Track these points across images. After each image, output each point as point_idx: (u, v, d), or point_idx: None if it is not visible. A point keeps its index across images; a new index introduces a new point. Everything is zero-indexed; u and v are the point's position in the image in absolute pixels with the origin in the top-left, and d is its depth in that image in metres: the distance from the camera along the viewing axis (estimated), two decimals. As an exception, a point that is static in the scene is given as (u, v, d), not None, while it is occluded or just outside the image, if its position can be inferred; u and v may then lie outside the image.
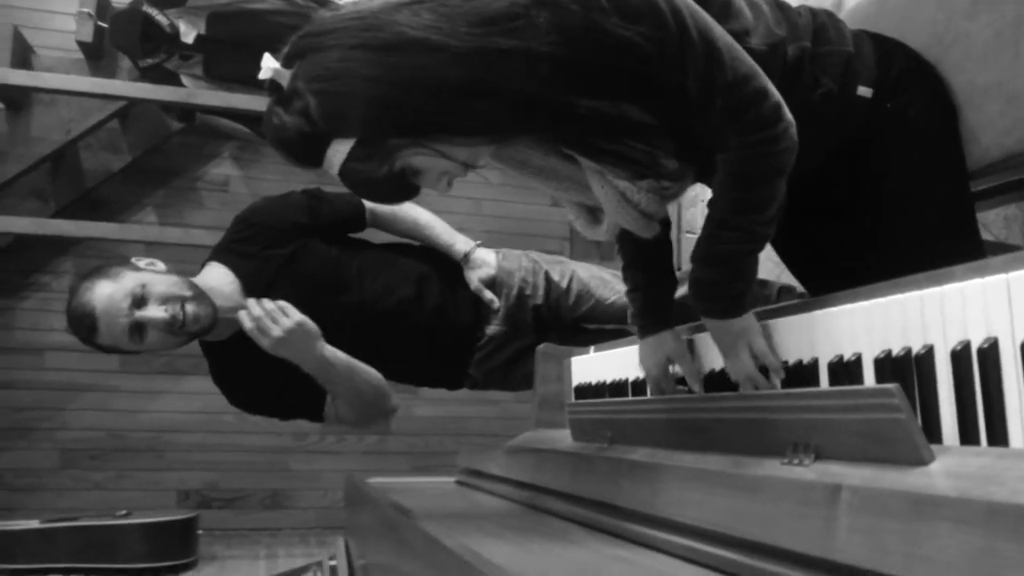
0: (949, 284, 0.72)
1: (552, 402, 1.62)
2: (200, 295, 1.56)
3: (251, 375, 1.69)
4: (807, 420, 0.72)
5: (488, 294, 1.75)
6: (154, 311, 1.50)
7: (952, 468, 0.57)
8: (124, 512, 2.35)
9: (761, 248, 0.96)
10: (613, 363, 1.41)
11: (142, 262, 1.60)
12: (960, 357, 0.69)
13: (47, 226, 2.52)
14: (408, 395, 3.14)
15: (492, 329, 1.77)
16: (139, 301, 1.50)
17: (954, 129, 1.09)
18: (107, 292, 1.49)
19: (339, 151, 0.84)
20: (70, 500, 2.82)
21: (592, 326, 1.75)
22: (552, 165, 1.00)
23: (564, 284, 1.78)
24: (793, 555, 0.56)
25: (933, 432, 0.69)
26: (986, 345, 0.67)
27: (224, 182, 3.05)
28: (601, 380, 1.46)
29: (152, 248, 2.84)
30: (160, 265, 1.61)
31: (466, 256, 1.77)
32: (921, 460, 0.60)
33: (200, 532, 2.37)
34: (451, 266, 1.78)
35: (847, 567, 0.51)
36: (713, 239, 0.94)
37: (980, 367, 0.67)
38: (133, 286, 1.50)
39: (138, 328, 1.51)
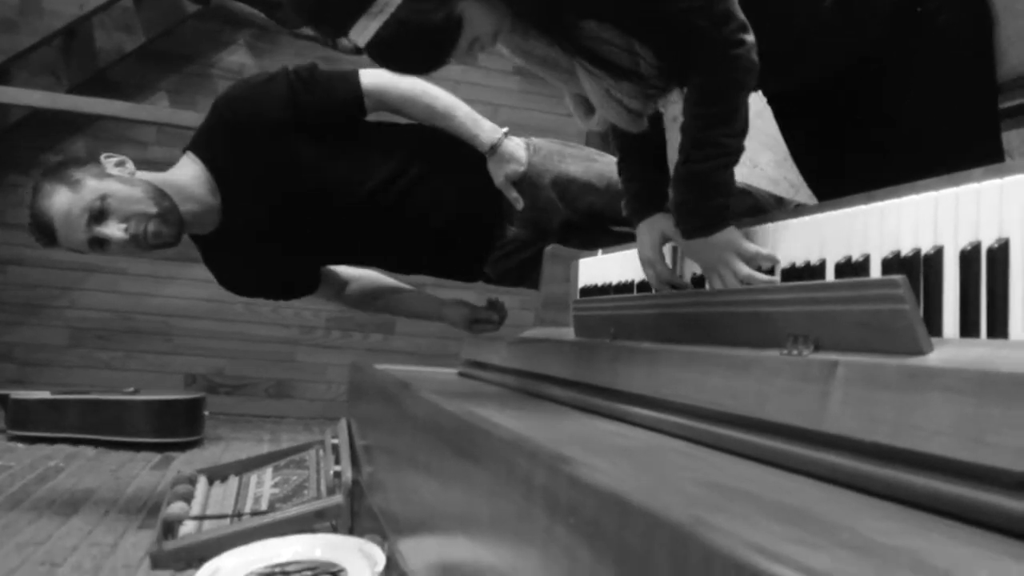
0: (966, 185, 0.72)
1: (557, 303, 1.63)
2: (166, 211, 1.49)
3: (236, 264, 1.70)
4: (808, 312, 0.72)
5: (514, 193, 1.65)
6: (114, 229, 1.46)
7: (950, 356, 0.58)
8: (132, 389, 2.41)
9: (734, 161, 1.00)
10: (620, 265, 1.42)
11: (112, 162, 1.52)
12: (969, 257, 0.70)
13: (60, 101, 2.50)
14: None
15: (514, 231, 1.71)
16: (98, 216, 1.45)
17: (988, 41, 1.06)
18: (65, 205, 1.44)
19: (371, 26, 0.85)
20: (79, 377, 2.89)
21: (620, 228, 1.69)
22: (553, 56, 1.03)
23: (600, 185, 1.68)
24: (784, 428, 0.58)
25: (934, 328, 0.70)
26: (996, 245, 0.67)
27: (238, 70, 3.01)
28: (607, 282, 1.47)
29: (163, 130, 2.83)
30: (129, 167, 1.53)
31: (492, 148, 1.64)
32: (920, 350, 0.61)
33: (206, 414, 2.43)
34: (469, 152, 1.67)
35: (837, 437, 0.52)
36: (688, 160, 0.98)
37: (988, 266, 0.67)
38: (92, 199, 1.44)
39: (98, 242, 1.47)
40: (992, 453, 0.41)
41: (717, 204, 0.99)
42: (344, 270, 1.86)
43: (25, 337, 2.93)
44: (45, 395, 2.33)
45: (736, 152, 0.99)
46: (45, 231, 1.48)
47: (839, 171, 1.17)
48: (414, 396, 0.86)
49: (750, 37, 0.95)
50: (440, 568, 0.71)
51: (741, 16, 0.95)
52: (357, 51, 2.03)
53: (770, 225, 0.98)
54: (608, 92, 1.02)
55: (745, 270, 0.95)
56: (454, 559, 0.66)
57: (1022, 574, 0.32)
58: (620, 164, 1.17)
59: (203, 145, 1.60)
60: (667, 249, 1.13)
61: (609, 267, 1.46)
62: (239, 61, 3.04)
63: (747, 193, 1.57)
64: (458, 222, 1.68)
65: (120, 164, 1.53)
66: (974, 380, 0.43)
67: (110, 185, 1.47)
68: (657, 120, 1.14)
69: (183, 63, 2.98)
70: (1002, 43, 1.06)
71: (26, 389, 2.46)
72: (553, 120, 3.33)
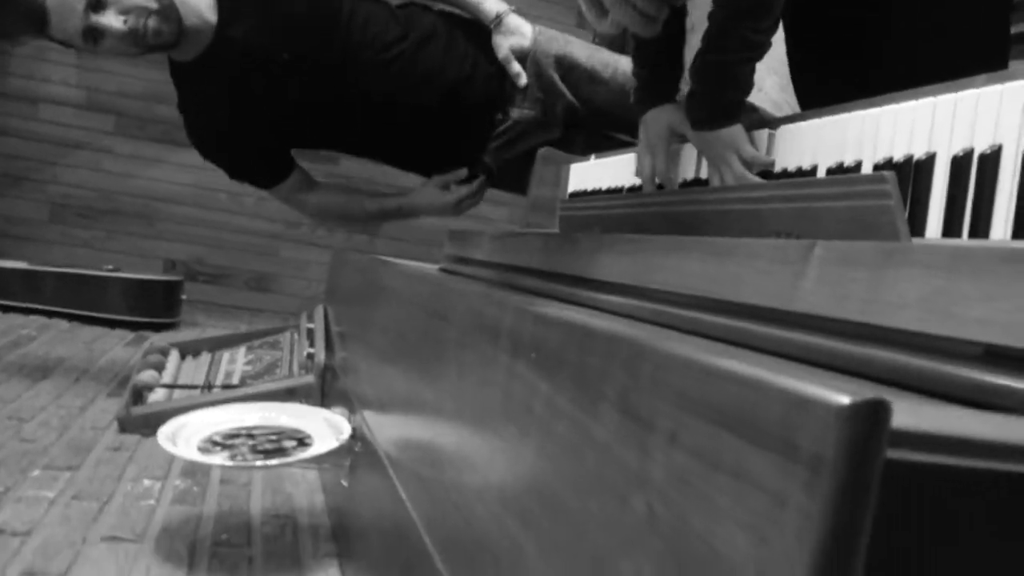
0: (966, 91, 0.70)
1: (545, 206, 1.62)
2: (166, 8, 1.44)
3: (211, 110, 1.60)
4: (795, 209, 0.72)
5: (516, 67, 1.60)
6: (112, 20, 1.39)
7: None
8: (111, 267, 2.39)
9: (757, 58, 0.98)
10: (611, 171, 1.40)
11: None
12: (961, 163, 0.69)
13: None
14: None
15: (518, 112, 1.65)
16: (96, 4, 1.39)
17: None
18: None
19: None
20: (58, 254, 2.86)
21: (621, 136, 1.66)
22: None
23: (605, 74, 1.64)
24: (758, 310, 0.57)
25: (917, 230, 0.70)
26: (988, 151, 0.66)
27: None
28: (597, 187, 1.45)
29: None
30: None
31: (498, 18, 1.60)
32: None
33: (184, 298, 2.43)
34: (476, 30, 1.63)
35: (808, 316, 0.52)
36: (711, 49, 0.96)
37: (978, 171, 0.66)
38: None
39: (92, 33, 1.40)
40: (958, 325, 0.41)
41: (730, 99, 0.97)
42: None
43: (4, 209, 2.89)
44: (22, 265, 2.31)
45: (760, 48, 0.96)
46: (34, 15, 1.39)
47: (842, 84, 1.15)
48: (391, 268, 0.85)
49: None
50: (404, 441, 0.72)
51: None
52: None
53: (765, 131, 0.97)
54: None
55: (740, 170, 0.94)
56: (418, 432, 0.67)
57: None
58: (635, 54, 1.15)
59: None
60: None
61: (601, 173, 1.45)
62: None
63: (754, 110, 1.54)
64: (457, 95, 1.62)
65: None
66: (947, 255, 0.43)
67: None
68: (673, 22, 1.10)
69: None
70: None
71: (3, 260, 2.43)
72: (563, 30, 3.25)
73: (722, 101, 0.97)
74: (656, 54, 1.12)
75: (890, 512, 0.21)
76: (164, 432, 0.88)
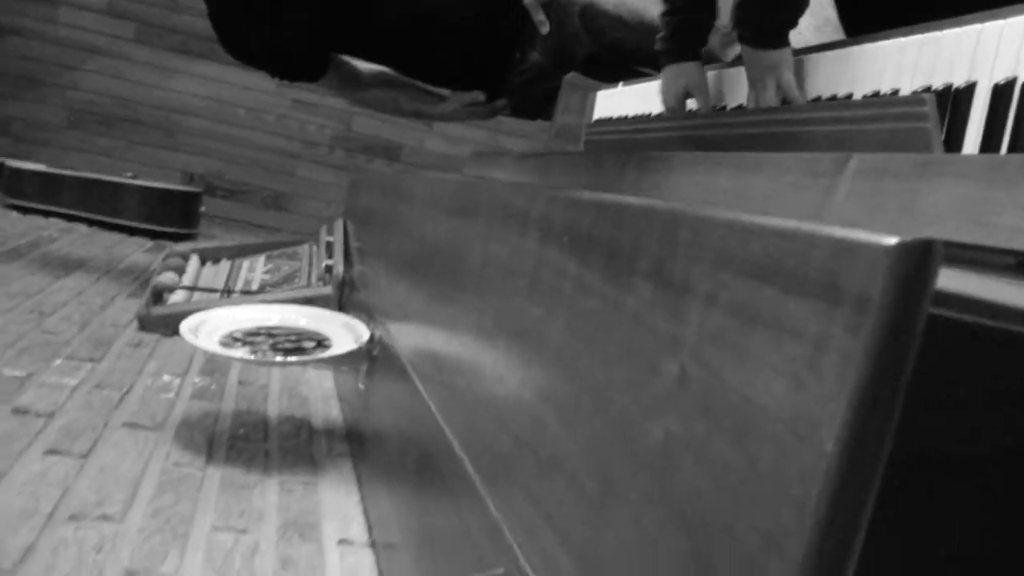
0: (1015, 17, 0.69)
1: (569, 133, 1.60)
2: None
3: (244, 10, 1.55)
4: (829, 132, 0.71)
5: (541, 16, 1.56)
6: None
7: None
8: (131, 174, 2.39)
9: None
10: (639, 99, 1.38)
11: None
12: (1002, 92, 0.67)
13: None
14: (422, 130, 3.12)
15: (536, 57, 1.65)
16: None
17: None
18: None
19: None
20: (76, 160, 2.86)
21: (645, 69, 1.64)
22: None
23: (632, 21, 1.62)
24: (784, 223, 0.57)
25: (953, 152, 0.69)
26: (1033, 79, 0.65)
27: None
28: (623, 115, 1.43)
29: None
30: None
31: None
32: (933, 169, 0.60)
33: (202, 210, 2.43)
34: None
35: (835, 228, 0.52)
36: None
37: (1020, 100, 0.65)
38: None
39: None
40: (992, 234, 0.41)
41: (780, 20, 0.94)
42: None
43: (22, 112, 2.88)
44: (41, 168, 2.31)
45: None
46: None
47: (885, 17, 1.12)
48: (414, 176, 0.85)
49: None
50: (425, 344, 0.73)
51: None
52: None
53: (803, 57, 0.95)
54: None
55: (772, 97, 0.92)
56: (441, 332, 0.67)
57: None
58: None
59: None
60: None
61: (628, 100, 1.43)
62: None
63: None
64: (476, 27, 1.61)
65: None
66: (983, 165, 0.43)
67: None
68: None
69: None
70: None
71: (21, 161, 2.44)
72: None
73: (770, 22, 0.94)
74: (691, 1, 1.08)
75: (931, 364, 0.21)
76: (186, 325, 0.89)
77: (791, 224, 0.23)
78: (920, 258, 0.20)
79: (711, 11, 1.08)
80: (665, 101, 1.11)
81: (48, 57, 2.86)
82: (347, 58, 1.74)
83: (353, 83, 1.74)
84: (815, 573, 0.21)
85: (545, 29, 1.60)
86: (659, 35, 1.12)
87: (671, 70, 1.09)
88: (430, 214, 0.75)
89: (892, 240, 0.20)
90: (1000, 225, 0.40)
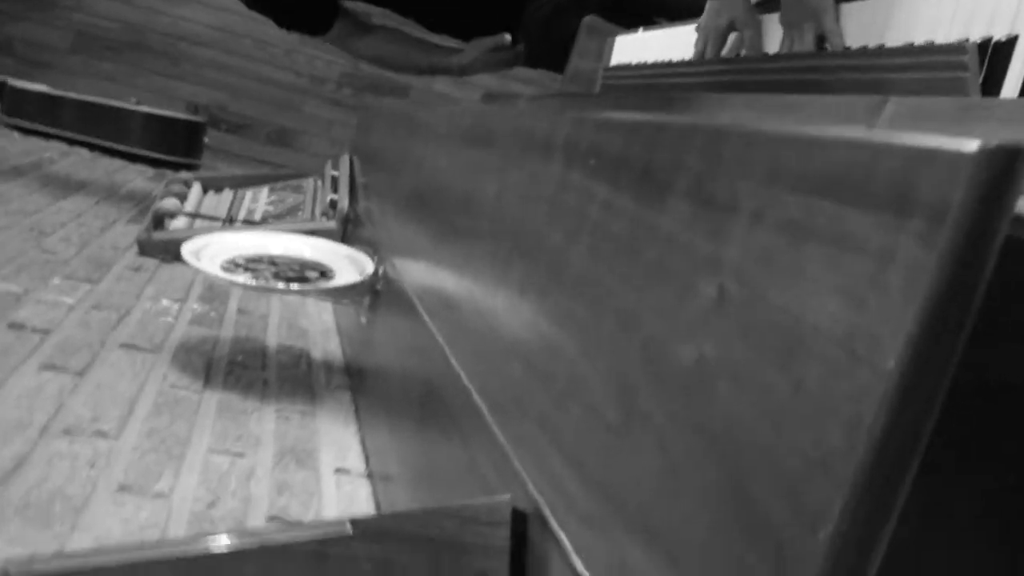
0: (1065, -32, 0.66)
1: (584, 78, 1.57)
2: None
3: None
4: (863, 80, 0.69)
5: None
6: None
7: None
8: (135, 100, 2.35)
9: None
10: (660, 45, 1.34)
11: None
12: (1044, 46, 0.65)
13: None
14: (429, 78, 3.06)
15: None
16: None
17: None
18: None
19: None
20: (80, 85, 2.81)
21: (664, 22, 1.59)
22: None
23: None
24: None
25: (985, 113, 0.67)
26: (1079, 34, 0.63)
27: None
28: (643, 61, 1.40)
29: None
30: None
31: None
32: (969, 122, 0.58)
33: (206, 141, 2.40)
34: None
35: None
36: None
37: (1063, 55, 0.63)
38: None
39: None
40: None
41: None
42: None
43: (26, 32, 2.82)
44: (44, 88, 2.27)
45: None
46: None
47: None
48: (428, 107, 0.82)
49: None
50: (434, 276, 0.71)
51: None
52: None
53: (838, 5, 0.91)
54: None
55: (810, 44, 0.89)
56: (449, 264, 0.66)
57: None
58: None
59: None
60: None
61: (649, 46, 1.39)
62: None
63: None
64: None
65: None
66: (1038, 110, 0.41)
67: None
68: None
69: None
70: None
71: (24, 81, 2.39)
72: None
73: None
74: None
75: (1002, 287, 0.20)
76: (188, 248, 0.88)
77: (857, 133, 0.21)
78: (1006, 165, 0.18)
79: None
80: (706, 28, 1.06)
81: (53, -25, 2.80)
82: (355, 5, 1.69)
83: (362, 36, 1.69)
84: (865, 494, 0.19)
85: None
86: None
87: (716, 3, 1.05)
88: (445, 145, 0.73)
89: (974, 145, 0.18)
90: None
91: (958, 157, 0.18)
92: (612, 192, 0.35)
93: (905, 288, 0.19)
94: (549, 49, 1.71)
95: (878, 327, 0.20)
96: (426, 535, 0.36)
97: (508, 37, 1.62)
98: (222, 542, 0.35)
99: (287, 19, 1.68)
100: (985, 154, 0.18)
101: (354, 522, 0.36)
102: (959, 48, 0.58)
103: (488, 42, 1.63)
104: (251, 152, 3.05)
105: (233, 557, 0.35)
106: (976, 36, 0.73)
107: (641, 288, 0.31)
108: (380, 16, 1.76)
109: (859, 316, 0.20)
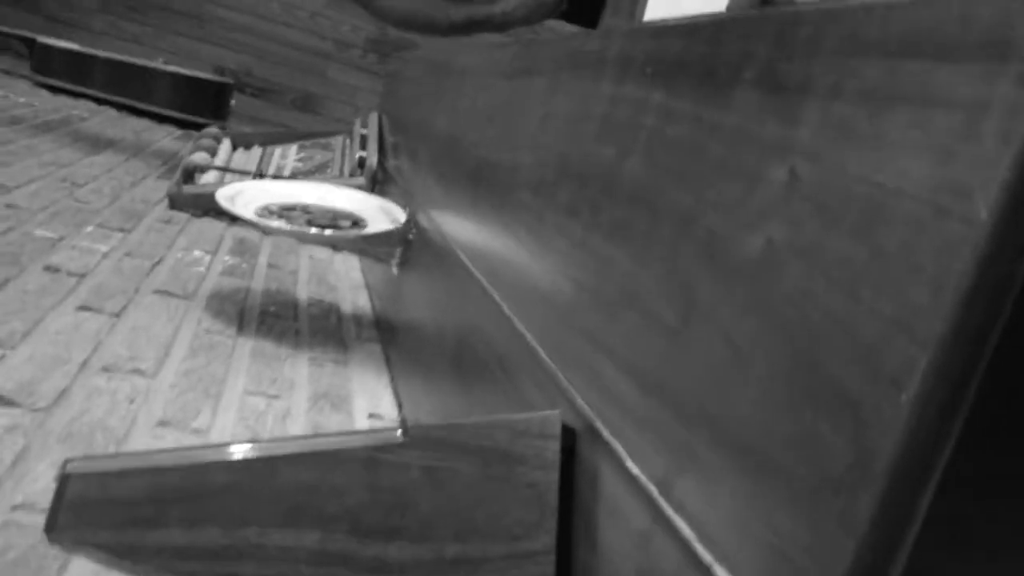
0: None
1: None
2: None
3: None
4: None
5: None
6: None
7: None
8: (163, 60, 2.35)
9: None
10: (699, 2, 1.32)
11: None
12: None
13: None
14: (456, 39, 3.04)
15: None
16: None
17: None
18: None
19: None
20: (106, 45, 2.82)
21: None
22: None
23: None
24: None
25: None
26: None
27: None
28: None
29: None
30: None
31: None
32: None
33: (232, 103, 2.40)
34: None
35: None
36: None
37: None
38: None
39: None
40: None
41: None
42: None
43: (55, -8, 2.83)
44: (73, 46, 2.28)
45: None
46: None
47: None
48: (465, 49, 0.82)
49: None
50: (468, 231, 0.71)
51: None
52: None
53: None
54: None
55: None
56: (489, 201, 0.65)
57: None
58: None
59: None
60: None
61: (682, 2, 1.37)
62: None
63: None
64: None
65: None
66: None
67: None
68: None
69: None
70: None
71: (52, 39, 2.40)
72: None
73: None
74: None
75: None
76: (223, 193, 0.88)
77: (948, -12, 0.21)
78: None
79: None
80: None
81: (79, -64, 2.79)
82: None
83: None
84: (950, 352, 0.19)
85: None
86: None
87: None
88: (485, 84, 0.73)
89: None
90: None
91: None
92: (670, 97, 0.35)
93: (1002, 133, 0.18)
94: (583, 4, 1.67)
95: (969, 178, 0.19)
96: (477, 445, 0.36)
97: None
98: (278, 446, 0.36)
99: None
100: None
101: (406, 429, 0.36)
102: None
103: None
104: (276, 117, 3.05)
105: (288, 460, 0.35)
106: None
107: (701, 188, 0.31)
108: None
109: (948, 171, 0.20)
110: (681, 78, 0.34)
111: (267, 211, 0.90)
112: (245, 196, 0.90)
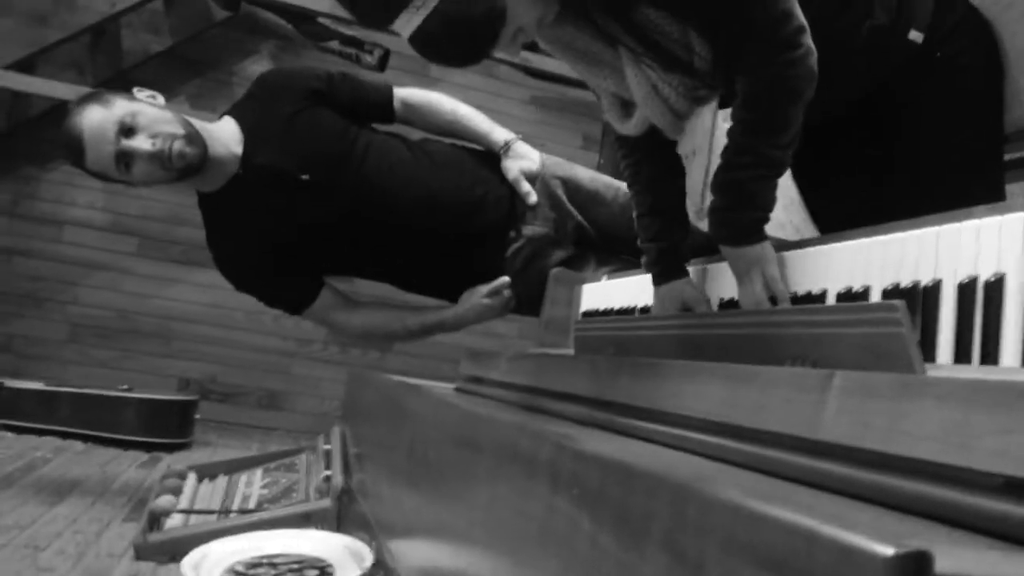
0: (968, 221, 0.74)
1: (559, 326, 1.65)
2: (193, 135, 1.56)
3: (237, 238, 1.68)
4: (809, 335, 0.74)
5: (526, 186, 1.70)
6: (141, 142, 1.51)
7: (942, 376, 0.60)
8: (126, 387, 2.41)
9: (778, 174, 0.97)
10: (624, 291, 1.44)
11: (143, 94, 1.61)
12: (966, 289, 0.72)
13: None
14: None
15: (530, 230, 1.71)
16: (127, 131, 1.51)
17: (999, 90, 1.10)
18: (97, 118, 1.51)
19: (413, 19, 0.86)
20: (74, 373, 2.88)
21: (630, 258, 1.69)
22: (595, 50, 1.02)
23: (607, 196, 1.74)
24: (780, 437, 0.59)
25: (929, 355, 0.72)
26: (993, 279, 0.69)
27: (258, 82, 3.06)
28: (609, 307, 1.48)
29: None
30: (160, 100, 1.62)
31: (507, 145, 1.73)
32: (914, 372, 0.63)
33: (197, 417, 2.43)
34: (485, 159, 1.75)
35: (830, 444, 0.54)
36: (729, 166, 0.96)
37: (984, 298, 0.69)
38: (123, 114, 1.51)
39: (124, 157, 1.52)
40: (977, 457, 0.42)
41: (752, 217, 0.97)
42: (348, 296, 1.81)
43: (24, 329, 2.94)
44: (38, 386, 2.33)
45: (779, 165, 0.96)
46: (74, 147, 1.52)
47: (847, 203, 1.19)
48: (414, 392, 0.87)
49: (808, 42, 0.91)
50: (431, 569, 0.72)
51: (802, 20, 0.90)
52: (380, 68, 2.10)
53: (782, 254, 1.00)
54: (655, 88, 0.99)
55: (761, 297, 0.96)
56: (448, 562, 0.67)
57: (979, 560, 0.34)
58: (639, 222, 1.16)
59: (238, 106, 1.71)
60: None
61: (613, 293, 1.48)
62: (261, 70, 3.09)
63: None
64: (470, 217, 1.68)
65: (151, 96, 1.62)
66: (964, 388, 0.45)
67: (141, 106, 1.56)
68: (680, 172, 1.11)
69: (206, 69, 3.03)
70: (1008, 97, 1.10)
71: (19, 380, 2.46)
72: (569, 152, 3.37)
73: (742, 220, 0.97)
74: (661, 220, 1.13)
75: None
76: (187, 562, 0.88)
77: (794, 519, 0.25)
78: (914, 567, 0.21)
79: (685, 226, 1.14)
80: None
81: (51, 275, 2.95)
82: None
83: (349, 308, 1.76)
84: None
85: (533, 199, 1.70)
86: (644, 260, 1.18)
87: (664, 291, 1.14)
88: (433, 436, 0.77)
89: (888, 551, 0.21)
90: (984, 449, 0.42)
91: (876, 562, 0.22)
92: (596, 528, 0.38)
93: None
94: (537, 291, 1.76)
95: None
96: None
97: (507, 279, 1.69)
98: None
99: (273, 298, 1.77)
100: (898, 559, 0.21)
101: None
102: (890, 307, 0.64)
103: (483, 289, 1.69)
104: (243, 419, 3.08)
105: None
106: (906, 281, 0.80)
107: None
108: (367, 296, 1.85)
109: None
110: (605, 512, 0.38)
111: (234, 573, 0.89)
112: (210, 560, 0.90)
